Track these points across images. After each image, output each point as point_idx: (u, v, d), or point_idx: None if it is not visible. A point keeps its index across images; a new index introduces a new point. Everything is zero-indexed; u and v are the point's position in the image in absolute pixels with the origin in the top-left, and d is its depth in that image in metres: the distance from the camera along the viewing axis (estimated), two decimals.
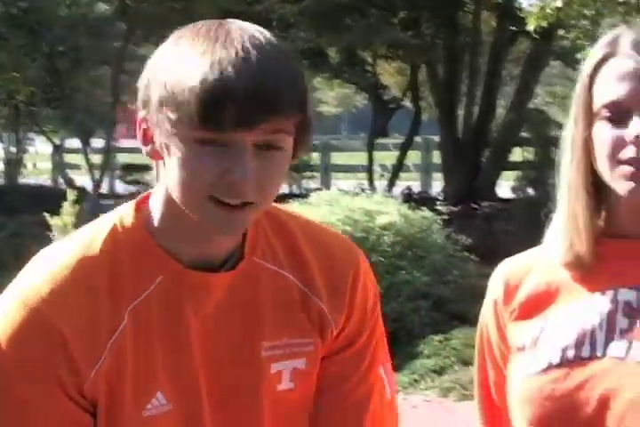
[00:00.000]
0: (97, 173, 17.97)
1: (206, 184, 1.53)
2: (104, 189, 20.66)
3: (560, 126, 2.09)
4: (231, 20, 1.61)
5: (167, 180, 1.59)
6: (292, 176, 19.73)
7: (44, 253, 1.70)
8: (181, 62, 1.53)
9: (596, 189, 1.79)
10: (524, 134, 16.89)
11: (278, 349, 1.70)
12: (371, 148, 19.23)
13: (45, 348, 1.59)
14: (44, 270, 1.63)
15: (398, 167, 18.74)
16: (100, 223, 1.68)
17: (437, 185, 19.45)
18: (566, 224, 1.82)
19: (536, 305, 1.86)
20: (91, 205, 13.37)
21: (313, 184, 21.05)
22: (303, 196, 10.39)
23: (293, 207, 9.07)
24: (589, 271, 1.82)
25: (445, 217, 10.09)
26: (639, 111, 1.71)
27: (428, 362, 8.36)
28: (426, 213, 9.61)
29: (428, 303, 9.00)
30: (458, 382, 7.87)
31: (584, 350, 1.78)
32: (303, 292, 1.73)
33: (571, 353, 1.79)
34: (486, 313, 1.94)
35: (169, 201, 1.61)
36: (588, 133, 1.76)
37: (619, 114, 1.72)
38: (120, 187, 23.25)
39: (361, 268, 1.80)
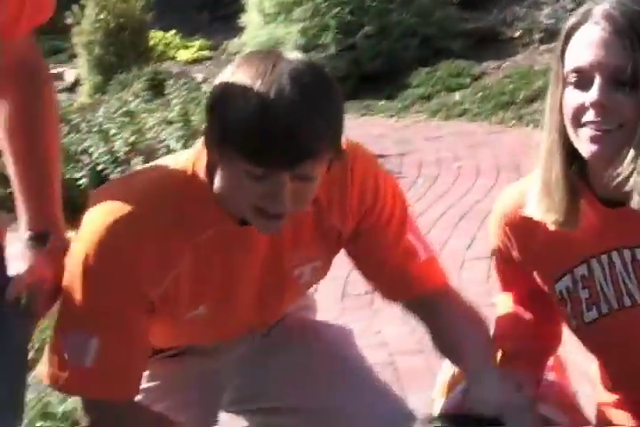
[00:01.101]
0: None
1: (249, 201, 1.67)
2: None
3: None
4: (286, 51, 1.70)
5: (221, 182, 1.70)
6: None
7: (123, 185, 1.87)
8: (233, 101, 1.62)
9: (575, 152, 1.75)
10: None
11: (299, 259, 1.87)
12: None
13: (128, 266, 1.72)
14: (134, 199, 1.74)
15: None
16: (178, 170, 1.77)
17: None
18: (542, 191, 1.79)
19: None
20: None
21: None
22: None
23: None
24: (582, 233, 1.80)
25: None
26: (601, 77, 1.67)
27: (418, 90, 9.14)
28: None
29: (416, 41, 9.67)
30: (444, 105, 8.69)
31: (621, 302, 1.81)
32: (316, 216, 1.84)
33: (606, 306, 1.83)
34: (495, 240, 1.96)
35: (224, 195, 1.72)
36: (560, 97, 1.74)
37: (583, 79, 1.69)
38: None
39: (355, 167, 1.84)
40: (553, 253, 1.86)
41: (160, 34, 11.31)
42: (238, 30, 10.11)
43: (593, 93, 1.67)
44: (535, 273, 1.92)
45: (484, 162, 6.73)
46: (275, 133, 1.57)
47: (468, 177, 6.44)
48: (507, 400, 1.79)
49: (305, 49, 9.44)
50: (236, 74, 1.63)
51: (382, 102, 9.25)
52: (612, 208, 1.77)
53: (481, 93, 8.76)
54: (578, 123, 1.69)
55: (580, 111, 1.69)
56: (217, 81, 1.68)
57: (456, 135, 7.80)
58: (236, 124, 1.59)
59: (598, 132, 1.67)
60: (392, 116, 8.89)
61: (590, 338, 1.90)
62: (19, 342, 1.85)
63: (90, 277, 1.73)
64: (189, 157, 1.77)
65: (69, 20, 9.12)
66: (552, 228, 1.80)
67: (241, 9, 9.99)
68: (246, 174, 1.62)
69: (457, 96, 8.90)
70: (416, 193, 6.23)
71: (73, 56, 9.93)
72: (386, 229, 1.90)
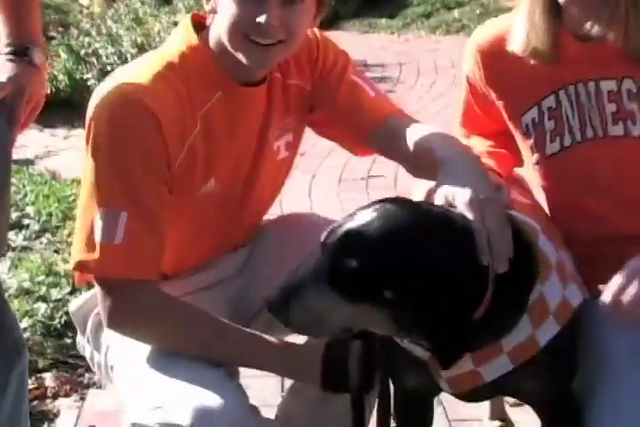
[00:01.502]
0: None
1: (241, 25, 1.71)
2: None
3: None
4: None
5: (218, 26, 1.77)
6: None
7: (136, 61, 1.86)
8: None
9: None
10: None
11: (276, 131, 1.93)
12: None
13: (153, 135, 1.71)
14: (145, 75, 1.75)
15: None
16: (175, 43, 1.83)
17: None
18: (524, 20, 1.82)
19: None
20: None
21: None
22: None
23: None
24: (554, 66, 1.82)
25: None
26: None
27: (418, 9, 9.35)
28: None
29: None
30: (444, 22, 8.87)
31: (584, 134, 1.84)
32: (282, 81, 1.92)
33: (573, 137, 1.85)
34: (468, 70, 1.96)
35: (220, 41, 1.78)
36: None
37: None
38: None
39: (319, 44, 1.94)
40: (523, 85, 1.88)
41: None
42: None
43: None
44: (502, 105, 1.94)
45: None
46: None
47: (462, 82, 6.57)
48: (479, 195, 1.57)
49: None
50: None
51: (384, 20, 9.37)
52: (583, 42, 1.80)
53: (479, 10, 8.93)
54: None
55: None
56: None
57: (454, 47, 7.85)
58: None
59: None
60: (393, 33, 9.04)
61: (548, 172, 1.91)
62: (3, 142, 1.81)
63: (120, 147, 1.71)
64: (178, 40, 1.82)
65: None
66: (528, 62, 1.83)
67: None
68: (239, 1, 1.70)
69: (456, 13, 9.05)
70: (415, 95, 6.39)
71: None
72: (331, 72, 1.94)
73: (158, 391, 1.68)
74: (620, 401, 1.66)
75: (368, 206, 1.56)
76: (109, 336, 1.84)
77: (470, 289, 1.50)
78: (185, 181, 1.79)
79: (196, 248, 1.94)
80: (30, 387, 2.64)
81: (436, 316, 1.48)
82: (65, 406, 2.63)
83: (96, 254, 1.71)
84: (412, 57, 7.70)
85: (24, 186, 4.40)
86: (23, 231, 3.83)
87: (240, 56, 1.75)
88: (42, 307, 3.00)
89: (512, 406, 2.50)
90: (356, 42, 8.22)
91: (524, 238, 1.64)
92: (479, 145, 2.00)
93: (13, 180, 4.09)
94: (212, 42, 1.80)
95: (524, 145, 1.92)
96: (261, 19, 1.69)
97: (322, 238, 1.55)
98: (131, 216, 1.70)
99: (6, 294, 2.29)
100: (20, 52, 1.80)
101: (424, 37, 8.67)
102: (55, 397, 2.66)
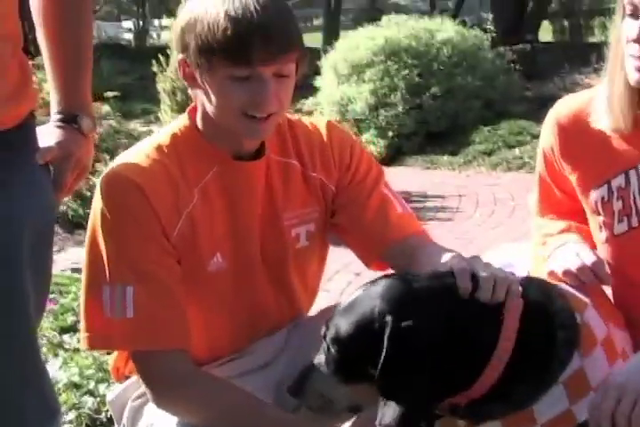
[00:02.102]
0: None
1: (240, 106, 1.76)
2: None
3: None
4: None
5: (206, 103, 1.81)
6: None
7: (129, 150, 1.91)
8: (210, 15, 1.73)
9: None
10: None
11: (294, 218, 1.95)
12: None
13: (141, 205, 1.76)
14: (133, 158, 1.82)
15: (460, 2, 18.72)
16: (166, 129, 1.90)
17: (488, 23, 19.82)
18: (608, 101, 1.85)
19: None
20: None
21: None
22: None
23: (368, 28, 10.15)
24: (630, 145, 1.84)
25: (494, 35, 11.02)
26: None
27: (479, 147, 9.35)
28: (478, 32, 10.60)
29: (479, 103, 9.97)
30: (504, 160, 8.91)
31: None
32: (303, 171, 1.95)
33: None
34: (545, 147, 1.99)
35: (207, 117, 1.84)
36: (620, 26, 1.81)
37: (636, 10, 1.76)
38: None
39: (334, 134, 1.99)
40: (596, 159, 1.88)
41: None
42: (312, 90, 10.40)
43: (635, 28, 1.74)
44: (575, 179, 1.92)
45: None
46: (253, 31, 1.71)
47: (520, 214, 6.53)
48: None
49: (374, 107, 9.81)
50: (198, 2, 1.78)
51: (445, 157, 9.44)
52: None
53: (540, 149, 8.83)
54: (627, 53, 1.78)
55: (629, 41, 1.76)
56: (182, 13, 1.81)
57: (514, 182, 7.97)
58: (215, 32, 1.72)
59: (637, 63, 1.75)
60: (454, 169, 9.08)
61: (617, 251, 1.89)
62: (51, 203, 1.79)
63: (113, 222, 1.76)
64: (171, 126, 1.90)
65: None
66: (605, 139, 1.85)
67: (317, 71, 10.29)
68: (232, 81, 1.75)
69: (517, 151, 9.08)
70: (473, 224, 6.38)
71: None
72: (363, 181, 1.97)
73: None
74: None
75: (362, 288, 1.68)
76: (150, 422, 1.82)
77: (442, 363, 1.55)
78: (190, 252, 1.81)
79: (223, 331, 1.92)
80: None
81: (414, 386, 1.55)
82: None
83: (111, 330, 1.74)
84: (471, 190, 7.73)
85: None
86: (77, 334, 3.81)
87: (237, 131, 1.81)
88: (89, 401, 2.97)
89: None
90: (418, 176, 8.31)
91: (559, 308, 1.62)
92: (555, 225, 1.98)
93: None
94: (198, 118, 1.86)
95: (593, 221, 1.90)
96: (262, 96, 1.75)
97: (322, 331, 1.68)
98: (137, 289, 1.73)
99: (55, 387, 2.30)
100: (69, 120, 1.82)
101: (484, 173, 8.72)
102: None
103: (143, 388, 1.81)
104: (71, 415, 2.85)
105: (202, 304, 1.85)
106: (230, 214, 1.86)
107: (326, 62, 10.18)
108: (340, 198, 1.96)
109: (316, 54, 10.42)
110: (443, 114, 9.85)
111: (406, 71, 9.85)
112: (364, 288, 1.67)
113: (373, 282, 1.68)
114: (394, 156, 9.07)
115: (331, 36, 14.55)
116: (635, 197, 1.84)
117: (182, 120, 1.89)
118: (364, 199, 1.94)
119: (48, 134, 1.81)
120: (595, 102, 1.88)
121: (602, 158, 1.87)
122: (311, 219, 1.96)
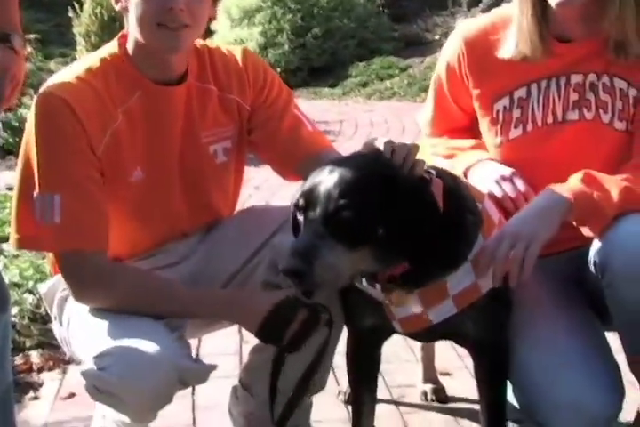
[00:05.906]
0: None
1: (153, 15, 1.70)
2: None
3: None
4: None
5: (131, 24, 1.75)
6: None
7: (62, 70, 1.82)
8: None
9: None
10: None
11: (211, 136, 1.88)
12: None
13: (70, 121, 1.69)
14: (66, 78, 1.75)
15: None
16: (98, 53, 1.83)
17: None
18: (514, 26, 1.78)
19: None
20: None
21: None
22: None
23: None
24: (534, 62, 1.77)
25: None
26: None
27: (356, 80, 9.44)
28: None
29: (354, 42, 10.01)
30: (377, 90, 8.98)
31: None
32: (219, 95, 1.88)
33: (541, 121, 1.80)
34: (451, 59, 1.89)
35: (135, 40, 1.78)
36: None
37: None
38: None
39: (248, 60, 1.91)
40: (499, 75, 1.83)
41: None
42: (209, 33, 10.21)
43: None
44: (477, 93, 1.87)
45: (408, 125, 6.90)
46: None
47: (394, 135, 6.60)
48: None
49: (264, 47, 9.71)
50: None
51: (327, 89, 9.44)
52: (565, 43, 1.77)
53: (407, 80, 9.01)
54: None
55: None
56: None
57: (386, 109, 8.05)
58: None
59: None
60: (335, 99, 9.09)
61: (510, 154, 1.85)
62: None
63: (43, 134, 1.70)
64: (101, 50, 1.82)
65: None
66: (508, 55, 1.78)
67: None
68: None
69: (388, 83, 9.12)
70: (354, 144, 6.37)
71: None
72: (276, 101, 1.90)
73: (100, 344, 1.59)
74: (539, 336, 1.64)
75: (323, 169, 1.51)
76: (70, 310, 1.78)
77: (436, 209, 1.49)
78: (113, 166, 1.74)
79: (142, 233, 1.86)
80: (18, 362, 2.58)
81: (419, 236, 1.45)
82: (48, 378, 2.53)
83: (40, 233, 1.68)
84: (350, 116, 7.74)
85: None
86: None
87: (155, 44, 1.73)
88: (29, 297, 2.89)
89: (442, 374, 2.40)
90: (304, 106, 8.23)
91: (466, 194, 1.61)
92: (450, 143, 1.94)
93: None
94: (129, 45, 1.79)
95: (491, 130, 1.86)
96: (170, 4, 1.67)
97: (293, 201, 1.49)
98: (64, 197, 1.67)
99: None
100: (2, 39, 1.72)
101: (361, 102, 8.74)
102: (40, 370, 2.58)
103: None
104: (14, 310, 2.78)
105: (121, 210, 1.79)
106: (151, 133, 1.80)
107: (221, 8, 9.96)
108: (255, 117, 1.90)
109: None
110: (323, 52, 9.87)
111: (291, 15, 9.82)
112: (335, 164, 1.51)
113: (339, 162, 1.54)
114: None
115: None
116: (533, 107, 1.81)
117: (112, 46, 1.82)
118: (278, 118, 1.88)
119: None
120: (501, 31, 1.81)
121: (506, 73, 1.82)
122: (227, 136, 1.89)
